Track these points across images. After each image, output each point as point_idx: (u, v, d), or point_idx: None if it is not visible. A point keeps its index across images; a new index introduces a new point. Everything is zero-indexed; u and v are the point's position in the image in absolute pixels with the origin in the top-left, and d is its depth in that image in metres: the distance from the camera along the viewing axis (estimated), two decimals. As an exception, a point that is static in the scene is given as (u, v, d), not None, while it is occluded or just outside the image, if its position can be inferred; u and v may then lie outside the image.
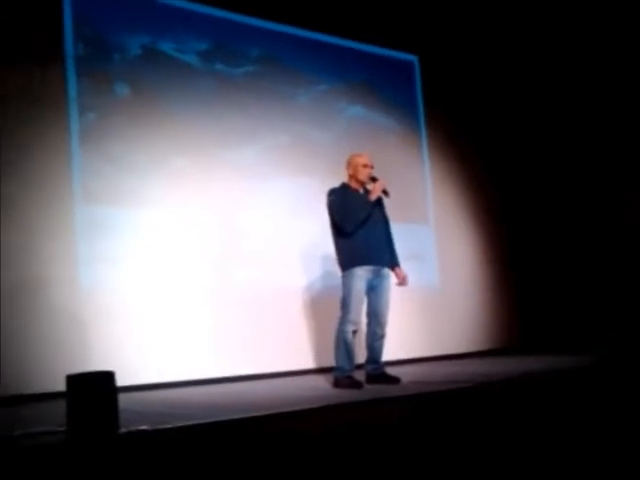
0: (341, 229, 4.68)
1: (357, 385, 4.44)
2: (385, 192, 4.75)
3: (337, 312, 4.69)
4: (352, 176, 4.81)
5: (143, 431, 2.71)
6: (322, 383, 4.93)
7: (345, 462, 2.93)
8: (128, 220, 5.45)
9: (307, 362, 6.08)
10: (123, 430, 2.69)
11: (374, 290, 4.68)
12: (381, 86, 7.30)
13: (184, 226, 5.72)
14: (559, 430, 3.52)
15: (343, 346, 4.57)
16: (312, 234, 6.00)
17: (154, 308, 5.45)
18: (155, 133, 5.70)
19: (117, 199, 5.43)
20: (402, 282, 4.86)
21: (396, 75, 7.56)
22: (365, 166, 4.77)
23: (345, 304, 4.62)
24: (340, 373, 4.58)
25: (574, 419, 3.63)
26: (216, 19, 6.29)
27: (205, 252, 5.78)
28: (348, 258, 4.65)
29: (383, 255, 4.74)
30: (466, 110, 7.98)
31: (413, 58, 7.72)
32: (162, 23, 5.95)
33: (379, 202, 4.79)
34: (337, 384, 4.56)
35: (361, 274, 4.60)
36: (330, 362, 4.79)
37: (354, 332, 4.61)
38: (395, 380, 4.57)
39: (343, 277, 4.68)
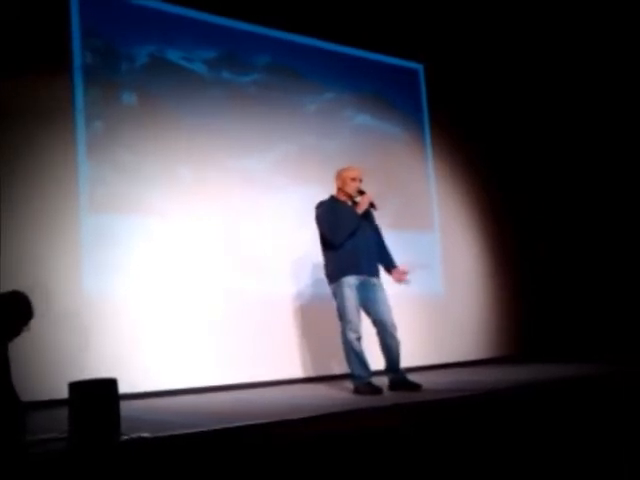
0: (329, 241, 4.72)
1: (377, 391, 4.46)
2: (372, 205, 4.79)
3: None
4: (340, 189, 4.87)
5: (144, 438, 2.72)
6: (328, 391, 4.92)
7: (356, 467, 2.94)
8: (134, 229, 5.48)
9: (308, 370, 6.08)
10: (124, 437, 2.71)
11: (371, 301, 4.70)
12: (387, 94, 7.33)
13: (189, 235, 5.74)
14: (564, 439, 3.51)
15: (353, 355, 4.60)
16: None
17: (158, 316, 5.47)
18: (162, 142, 5.74)
19: (124, 208, 5.46)
20: (402, 277, 4.83)
21: (401, 83, 7.58)
22: (354, 180, 4.81)
23: (342, 314, 4.65)
24: (359, 381, 4.61)
25: (580, 428, 3.62)
26: (223, 28, 6.33)
27: (211, 261, 5.80)
28: (337, 268, 4.69)
29: (372, 265, 4.77)
30: (471, 118, 7.99)
31: (418, 67, 7.74)
32: (169, 32, 5.99)
33: (367, 214, 4.82)
34: (357, 391, 4.59)
35: (350, 282, 4.63)
36: (336, 370, 4.78)
37: (358, 339, 4.62)
38: (416, 387, 4.55)
39: (334, 289, 4.70)
